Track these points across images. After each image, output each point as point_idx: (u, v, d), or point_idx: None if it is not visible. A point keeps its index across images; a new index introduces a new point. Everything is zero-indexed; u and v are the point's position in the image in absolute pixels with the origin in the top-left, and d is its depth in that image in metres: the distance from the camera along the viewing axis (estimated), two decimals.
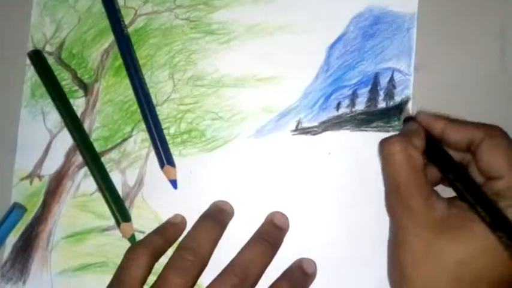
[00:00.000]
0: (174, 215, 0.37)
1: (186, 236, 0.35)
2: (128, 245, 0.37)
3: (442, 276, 0.29)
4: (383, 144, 0.31)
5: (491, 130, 0.31)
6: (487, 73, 0.37)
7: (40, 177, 0.39)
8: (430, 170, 0.33)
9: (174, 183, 0.38)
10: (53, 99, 0.39)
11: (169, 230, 0.37)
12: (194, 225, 0.36)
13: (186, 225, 0.37)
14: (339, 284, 0.36)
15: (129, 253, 0.35)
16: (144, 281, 0.34)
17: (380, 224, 0.33)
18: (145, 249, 0.34)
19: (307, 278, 0.35)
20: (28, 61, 0.40)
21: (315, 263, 0.36)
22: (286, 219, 0.37)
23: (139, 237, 0.37)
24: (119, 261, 0.34)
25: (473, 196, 0.29)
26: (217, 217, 0.36)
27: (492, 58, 0.37)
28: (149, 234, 0.36)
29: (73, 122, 0.38)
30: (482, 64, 0.37)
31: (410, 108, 0.37)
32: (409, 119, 0.34)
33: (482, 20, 0.38)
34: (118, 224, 0.37)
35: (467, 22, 0.38)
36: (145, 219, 0.38)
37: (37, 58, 0.39)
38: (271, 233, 0.36)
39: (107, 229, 0.38)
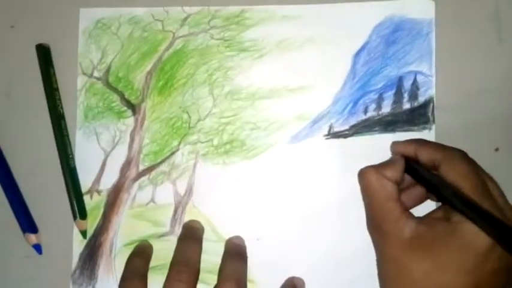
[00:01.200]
0: (141, 241, 0.42)
1: (174, 255, 0.39)
2: None
3: (411, 284, 0.31)
4: (361, 173, 0.35)
5: (450, 152, 0.34)
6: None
7: (99, 191, 0.43)
8: (416, 189, 0.36)
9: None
10: (46, 92, 0.42)
11: (145, 252, 0.41)
12: (177, 247, 0.40)
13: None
14: None
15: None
16: None
17: None
18: (136, 280, 0.38)
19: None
20: (79, 87, 0.43)
21: (303, 282, 0.40)
22: (242, 239, 0.41)
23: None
24: None
25: (463, 204, 0.31)
26: (193, 235, 0.40)
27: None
28: (131, 262, 0.40)
29: (57, 120, 0.42)
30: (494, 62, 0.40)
31: (434, 108, 0.40)
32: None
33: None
34: (75, 218, 0.41)
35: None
36: None
37: (42, 51, 0.43)
38: (239, 249, 0.40)
39: (162, 235, 0.42)
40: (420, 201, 0.37)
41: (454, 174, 0.32)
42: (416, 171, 0.35)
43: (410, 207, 0.36)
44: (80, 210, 0.42)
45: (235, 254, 0.40)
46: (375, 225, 0.34)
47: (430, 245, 0.32)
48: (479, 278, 0.30)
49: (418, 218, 0.34)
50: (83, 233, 0.42)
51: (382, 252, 0.34)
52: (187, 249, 0.39)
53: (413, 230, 0.32)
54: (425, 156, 0.34)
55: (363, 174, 0.35)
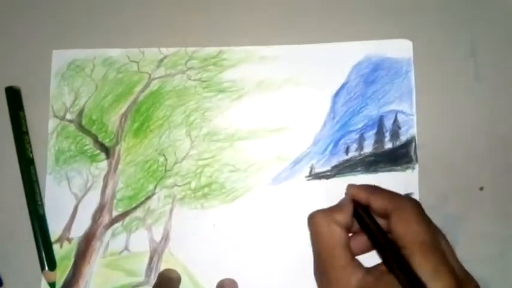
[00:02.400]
0: None
1: None
2: None
3: None
4: (310, 217, 0.34)
5: (402, 202, 0.32)
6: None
7: (69, 240, 0.40)
8: (362, 236, 0.34)
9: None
10: (14, 136, 0.41)
11: None
12: None
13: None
14: None
15: None
16: None
17: None
18: None
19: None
20: (50, 130, 0.42)
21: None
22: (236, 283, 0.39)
23: None
24: None
25: (395, 263, 0.30)
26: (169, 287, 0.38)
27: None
28: None
29: (25, 165, 0.41)
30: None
31: (416, 147, 0.40)
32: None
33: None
34: (42, 269, 0.39)
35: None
36: None
37: (12, 94, 0.42)
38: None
39: (137, 285, 0.39)
40: (368, 248, 0.35)
41: (403, 226, 0.31)
42: (361, 217, 0.34)
43: (359, 254, 0.34)
44: (48, 261, 0.39)
45: None
46: (322, 271, 0.33)
47: None
48: None
49: (366, 268, 0.32)
50: (52, 285, 0.39)
51: None
52: None
53: (360, 280, 0.31)
54: (377, 204, 0.33)
55: (312, 218, 0.34)
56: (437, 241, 0.31)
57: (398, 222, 0.31)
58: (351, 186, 0.35)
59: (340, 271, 0.31)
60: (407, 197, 0.34)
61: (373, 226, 0.33)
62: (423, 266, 0.29)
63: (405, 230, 0.31)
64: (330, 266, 0.32)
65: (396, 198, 0.33)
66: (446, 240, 0.32)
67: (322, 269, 0.33)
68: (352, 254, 0.32)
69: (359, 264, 0.32)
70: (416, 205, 0.32)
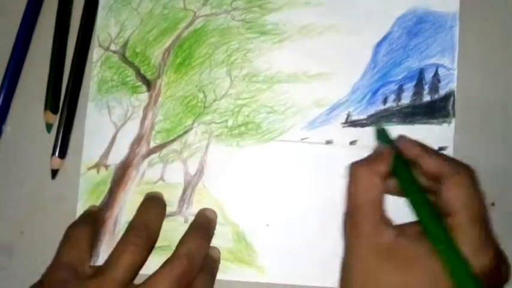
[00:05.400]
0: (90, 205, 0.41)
1: (134, 217, 0.38)
2: None
3: None
4: (351, 166, 0.33)
5: (459, 168, 0.31)
6: None
7: (106, 166, 0.41)
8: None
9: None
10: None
11: (95, 211, 0.40)
12: (139, 210, 0.38)
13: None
14: None
15: (71, 233, 0.38)
16: (89, 260, 0.37)
17: None
18: (85, 228, 0.38)
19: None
20: (94, 59, 0.43)
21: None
22: (215, 213, 0.40)
23: None
24: None
25: (426, 220, 0.30)
26: (160, 201, 0.39)
27: None
28: (83, 215, 0.40)
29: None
30: None
31: (454, 102, 0.40)
32: (382, 132, 0.36)
33: None
34: (45, 108, 0.41)
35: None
36: (206, 206, 0.40)
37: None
38: (205, 224, 0.39)
39: (169, 215, 0.40)
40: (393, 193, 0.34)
41: (457, 192, 0.30)
42: (402, 171, 0.33)
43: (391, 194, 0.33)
44: (52, 99, 0.41)
45: (198, 229, 0.38)
46: (351, 221, 0.32)
47: (406, 260, 0.30)
48: None
49: (398, 227, 0.31)
50: (48, 127, 0.41)
51: (353, 251, 0.32)
52: (150, 216, 0.38)
53: (392, 239, 0.30)
54: (431, 164, 0.32)
55: (353, 168, 0.33)
56: (487, 213, 0.30)
57: (453, 187, 0.30)
58: (403, 138, 0.34)
59: (373, 226, 0.31)
60: (463, 163, 0.32)
61: (414, 183, 0.32)
62: (471, 236, 0.29)
63: (459, 197, 0.30)
64: (360, 217, 0.32)
65: (452, 161, 0.32)
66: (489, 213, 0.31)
67: (354, 220, 0.32)
68: (386, 212, 0.32)
69: (391, 223, 0.32)
70: (473, 172, 0.31)
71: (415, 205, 0.31)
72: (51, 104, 0.41)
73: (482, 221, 0.30)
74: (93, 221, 0.40)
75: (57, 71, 0.42)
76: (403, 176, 0.33)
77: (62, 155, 0.41)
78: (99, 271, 0.35)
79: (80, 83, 0.42)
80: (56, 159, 0.41)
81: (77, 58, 0.42)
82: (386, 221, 0.31)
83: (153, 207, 0.39)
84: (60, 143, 0.41)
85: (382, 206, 0.32)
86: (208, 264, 0.38)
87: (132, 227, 0.37)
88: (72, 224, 0.39)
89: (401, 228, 0.31)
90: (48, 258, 0.37)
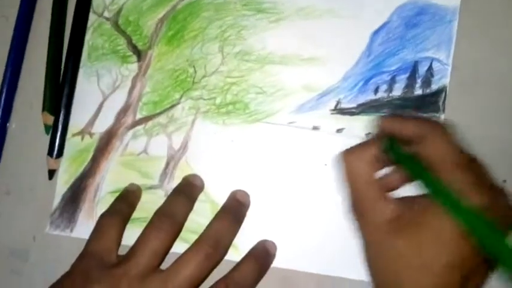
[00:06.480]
0: (130, 184, 0.40)
1: (162, 205, 0.38)
2: None
3: (394, 267, 0.30)
4: (342, 154, 0.33)
5: (437, 124, 0.32)
6: None
7: (91, 134, 0.41)
8: (394, 173, 0.34)
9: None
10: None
11: (131, 196, 0.40)
12: (168, 198, 0.39)
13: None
14: None
15: (102, 223, 0.38)
16: (117, 250, 0.37)
17: None
18: (116, 219, 0.38)
19: (270, 258, 0.38)
20: (88, 24, 0.42)
21: (276, 246, 0.39)
22: (247, 195, 0.40)
23: None
24: None
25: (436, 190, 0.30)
26: (188, 192, 0.39)
27: None
28: (115, 203, 0.39)
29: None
30: None
31: (445, 98, 0.39)
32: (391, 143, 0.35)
33: None
34: (43, 110, 0.41)
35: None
36: None
37: None
38: (235, 208, 0.39)
39: (150, 187, 0.41)
40: (399, 184, 0.35)
41: (440, 145, 0.31)
42: (395, 148, 0.33)
43: (390, 191, 0.34)
44: (50, 101, 0.41)
45: (228, 212, 0.38)
46: (355, 207, 0.33)
47: (412, 225, 0.30)
48: (463, 256, 0.29)
49: (398, 199, 0.32)
50: (47, 128, 0.41)
51: (361, 231, 0.33)
52: (176, 205, 0.38)
53: (394, 212, 0.31)
54: (410, 129, 0.32)
55: (342, 156, 0.33)
56: (468, 157, 0.31)
57: (435, 142, 0.31)
58: (383, 118, 0.35)
59: (372, 204, 0.32)
60: (434, 121, 0.33)
61: (409, 156, 0.32)
62: (457, 184, 0.29)
63: (442, 149, 0.31)
64: (358, 200, 0.33)
65: (430, 121, 0.33)
66: (479, 160, 0.32)
67: (355, 205, 0.33)
68: (383, 189, 0.32)
69: (390, 197, 0.32)
70: (450, 126, 0.32)
71: (412, 171, 0.32)
72: (49, 105, 0.41)
73: (471, 167, 0.30)
74: (127, 208, 0.39)
75: (54, 72, 0.41)
76: (394, 151, 0.33)
77: (59, 155, 0.41)
78: (125, 258, 0.35)
79: (75, 83, 0.42)
80: (52, 160, 0.41)
81: (73, 63, 0.42)
82: (385, 196, 0.32)
83: (181, 197, 0.39)
84: (58, 143, 0.41)
85: (377, 184, 0.32)
86: (262, 257, 0.38)
87: (158, 213, 0.37)
88: (105, 212, 0.39)
89: (400, 200, 0.32)
90: (62, 263, 0.37)
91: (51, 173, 0.41)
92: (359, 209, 0.33)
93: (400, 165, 0.33)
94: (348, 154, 0.33)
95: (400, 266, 0.30)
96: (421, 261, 0.30)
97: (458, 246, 0.29)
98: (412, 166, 0.32)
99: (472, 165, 0.31)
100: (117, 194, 0.40)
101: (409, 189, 0.33)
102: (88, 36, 0.42)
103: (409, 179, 0.34)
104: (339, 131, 0.40)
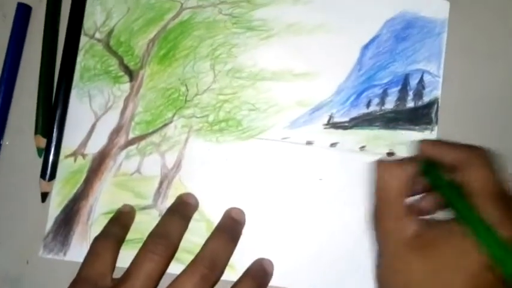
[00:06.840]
0: (123, 205, 0.40)
1: (156, 226, 0.37)
2: None
3: (403, 282, 0.30)
4: (378, 163, 0.33)
5: (476, 151, 0.32)
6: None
7: (84, 155, 0.41)
8: (429, 197, 0.34)
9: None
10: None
11: (124, 218, 0.39)
12: (162, 219, 0.38)
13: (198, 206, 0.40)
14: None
15: (96, 247, 0.37)
16: (111, 273, 0.36)
17: None
18: (110, 242, 0.37)
19: (268, 277, 0.38)
20: (80, 46, 0.42)
21: (273, 264, 0.38)
22: (243, 213, 0.39)
23: None
24: None
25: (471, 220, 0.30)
26: (182, 211, 0.39)
27: None
28: (109, 225, 0.39)
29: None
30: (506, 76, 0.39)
31: (438, 109, 0.39)
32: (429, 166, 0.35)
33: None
34: (35, 133, 0.41)
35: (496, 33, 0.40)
36: None
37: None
38: (231, 226, 0.38)
39: (144, 208, 0.40)
40: (434, 210, 0.35)
41: (476, 173, 0.31)
42: (433, 173, 0.33)
43: (423, 215, 0.34)
44: (42, 124, 0.41)
45: (223, 231, 0.38)
46: (379, 218, 0.33)
47: (433, 246, 0.30)
48: (480, 280, 0.29)
49: (424, 220, 0.32)
50: (39, 151, 0.41)
51: (381, 245, 0.32)
52: (171, 226, 0.38)
53: (418, 231, 0.31)
54: (450, 156, 0.32)
55: (379, 164, 0.33)
56: (505, 189, 0.31)
57: (476, 170, 0.31)
58: (424, 141, 0.34)
59: (396, 219, 0.31)
60: (477, 146, 0.33)
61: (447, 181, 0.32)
62: (492, 214, 0.29)
63: (483, 179, 0.30)
64: (386, 213, 0.32)
65: (469, 147, 0.33)
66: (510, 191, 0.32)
67: (379, 215, 0.33)
68: (412, 210, 0.32)
69: (416, 217, 0.32)
70: (485, 153, 0.32)
71: (447, 196, 0.31)
72: (41, 128, 0.41)
73: (504, 198, 0.30)
74: (121, 230, 0.39)
75: (46, 95, 0.41)
76: (432, 175, 0.33)
77: (51, 177, 0.41)
78: (120, 282, 0.35)
79: (67, 104, 0.42)
80: (44, 182, 0.40)
81: (65, 84, 0.42)
82: (410, 216, 0.32)
83: (176, 217, 0.38)
84: (51, 165, 0.41)
85: (404, 202, 0.32)
86: (260, 276, 0.38)
87: (152, 235, 0.37)
88: (99, 235, 0.38)
89: (427, 222, 0.32)
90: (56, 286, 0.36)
91: (44, 196, 0.41)
92: (382, 220, 0.32)
93: (434, 190, 0.33)
94: (384, 167, 0.33)
95: (412, 283, 0.30)
96: (437, 283, 0.29)
97: (482, 276, 0.29)
98: (449, 191, 0.31)
99: (507, 196, 0.30)
100: (110, 215, 0.40)
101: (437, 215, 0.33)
102: (80, 58, 0.42)
103: (441, 206, 0.34)
104: (332, 145, 0.40)
